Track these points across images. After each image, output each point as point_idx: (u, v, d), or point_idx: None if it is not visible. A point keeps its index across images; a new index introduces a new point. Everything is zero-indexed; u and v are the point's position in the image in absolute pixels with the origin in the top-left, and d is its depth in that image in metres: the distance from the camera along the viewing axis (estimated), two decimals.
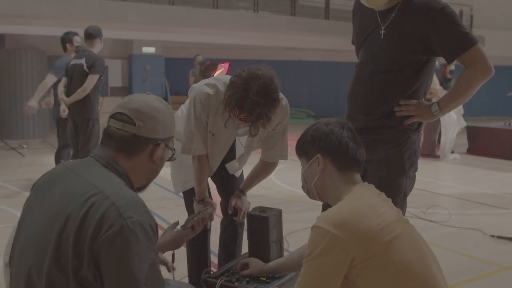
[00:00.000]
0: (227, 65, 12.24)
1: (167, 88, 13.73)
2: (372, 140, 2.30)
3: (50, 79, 5.96)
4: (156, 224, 1.45)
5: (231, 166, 2.80)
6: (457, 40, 2.20)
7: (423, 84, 2.36)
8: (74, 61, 5.51)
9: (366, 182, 1.77)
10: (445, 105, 2.33)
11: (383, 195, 1.74)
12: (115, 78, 14.84)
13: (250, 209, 2.63)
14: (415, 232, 1.69)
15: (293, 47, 16.32)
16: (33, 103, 5.99)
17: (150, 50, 15.05)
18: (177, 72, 14.96)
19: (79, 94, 5.34)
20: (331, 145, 1.72)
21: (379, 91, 2.34)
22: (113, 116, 1.58)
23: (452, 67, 8.67)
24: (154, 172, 1.65)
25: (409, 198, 2.44)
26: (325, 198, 1.78)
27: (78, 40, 6.10)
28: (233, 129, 2.52)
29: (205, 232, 2.80)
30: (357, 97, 2.42)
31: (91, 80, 5.34)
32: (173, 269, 2.09)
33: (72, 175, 1.49)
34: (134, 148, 1.55)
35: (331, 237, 1.49)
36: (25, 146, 9.75)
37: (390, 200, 1.74)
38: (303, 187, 1.84)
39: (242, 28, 12.34)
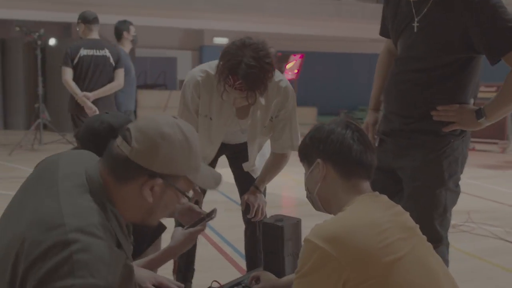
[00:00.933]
0: (299, 57, 12.08)
1: None
2: (406, 144, 2.25)
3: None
4: None
5: (245, 164, 2.84)
6: (502, 36, 2.04)
7: (467, 86, 2.20)
8: (90, 52, 5.28)
9: (376, 192, 1.63)
10: (491, 112, 2.15)
11: (397, 208, 1.61)
12: (185, 71, 14.99)
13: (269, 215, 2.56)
14: (429, 253, 1.56)
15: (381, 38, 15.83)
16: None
17: (223, 40, 15.12)
18: None
19: (110, 90, 5.33)
20: (331, 147, 1.62)
21: (414, 91, 2.24)
22: (120, 132, 1.43)
23: None
24: (149, 213, 1.44)
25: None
26: (328, 209, 1.68)
27: (134, 29, 6.03)
28: (230, 107, 2.54)
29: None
30: (392, 96, 2.36)
31: (122, 75, 5.36)
32: None
33: (53, 191, 1.35)
34: (123, 174, 1.38)
35: (320, 253, 1.41)
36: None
37: (406, 214, 1.61)
38: (307, 197, 1.75)
39: (321, 17, 12.10)
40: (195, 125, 2.61)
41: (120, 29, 6.01)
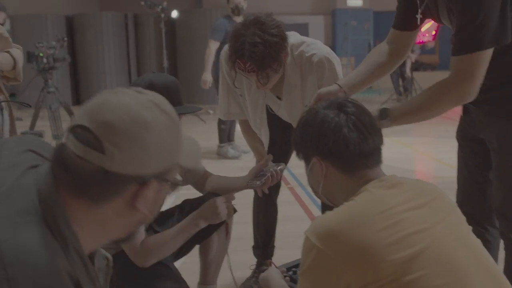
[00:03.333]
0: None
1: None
2: (490, 111, 2.05)
3: (214, 46, 5.92)
4: None
5: None
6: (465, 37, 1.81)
7: None
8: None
9: (393, 175, 1.47)
10: (397, 118, 1.90)
11: (423, 189, 1.44)
12: (317, 37, 14.85)
13: None
14: (460, 244, 1.36)
15: None
16: (207, 76, 6.08)
17: (357, 3, 14.74)
18: (387, 28, 14.43)
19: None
20: (325, 143, 1.48)
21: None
22: (72, 130, 1.04)
23: None
24: (140, 223, 1.16)
25: None
26: (338, 205, 1.50)
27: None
28: (250, 89, 2.51)
29: (272, 199, 2.90)
30: None
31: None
32: None
33: None
34: (102, 192, 1.04)
35: (316, 253, 1.31)
36: (211, 111, 10.36)
37: (438, 195, 1.44)
38: (315, 193, 1.65)
39: None
40: (239, 100, 2.65)
41: None
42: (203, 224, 2.12)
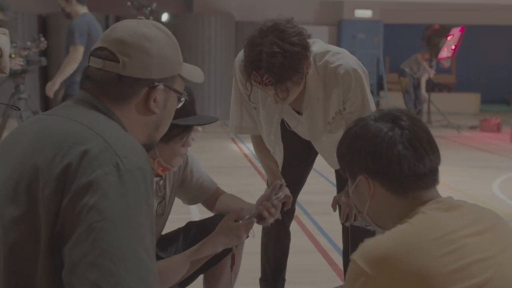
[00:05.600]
0: (458, 30, 11.56)
1: (384, 64, 13.49)
2: None
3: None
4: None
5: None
6: None
7: None
8: None
9: (449, 197, 1.49)
10: None
11: (484, 214, 1.46)
12: None
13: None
14: None
15: None
16: (57, 84, 5.88)
17: (366, 13, 14.89)
18: (398, 43, 14.60)
19: None
20: (375, 161, 1.49)
21: None
22: (93, 53, 1.48)
23: None
24: (157, 126, 1.56)
25: None
26: (386, 228, 1.54)
27: None
28: (267, 101, 2.55)
29: (285, 225, 2.93)
30: None
31: None
32: None
33: (49, 118, 1.44)
34: (122, 93, 1.46)
35: (366, 280, 1.32)
36: (199, 128, 10.41)
37: (501, 220, 1.46)
38: (358, 213, 1.68)
39: None
40: (253, 113, 2.68)
41: None
42: (221, 247, 2.14)
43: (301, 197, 5.21)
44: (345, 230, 2.82)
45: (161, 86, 1.49)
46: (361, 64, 2.46)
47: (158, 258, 2.31)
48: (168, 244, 2.43)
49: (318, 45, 2.45)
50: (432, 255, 1.30)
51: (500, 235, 1.42)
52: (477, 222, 1.41)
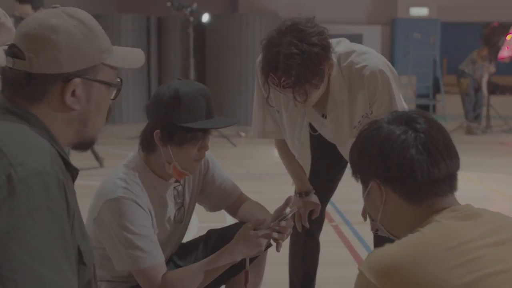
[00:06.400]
0: None
1: (440, 65, 13.29)
2: None
3: None
4: (66, 183, 1.34)
5: None
6: None
7: None
8: None
9: (468, 204, 1.47)
10: None
11: (508, 227, 1.42)
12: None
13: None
14: None
15: None
16: None
17: (422, 12, 14.71)
18: (457, 43, 14.36)
19: None
20: (386, 166, 1.47)
21: None
22: (6, 51, 1.47)
23: None
24: (83, 122, 1.51)
25: None
26: (399, 237, 1.52)
27: None
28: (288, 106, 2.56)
29: (313, 235, 2.93)
30: None
31: None
32: None
33: None
34: (34, 92, 1.43)
35: None
36: (243, 134, 10.43)
37: None
38: (371, 222, 1.66)
39: None
40: (276, 116, 2.70)
41: None
42: (240, 256, 2.14)
43: (342, 205, 5.25)
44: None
45: (77, 80, 1.44)
46: (389, 64, 2.43)
47: (177, 266, 2.35)
48: (188, 252, 2.45)
49: (343, 45, 2.45)
50: (445, 266, 1.29)
51: None
52: (497, 232, 1.39)
